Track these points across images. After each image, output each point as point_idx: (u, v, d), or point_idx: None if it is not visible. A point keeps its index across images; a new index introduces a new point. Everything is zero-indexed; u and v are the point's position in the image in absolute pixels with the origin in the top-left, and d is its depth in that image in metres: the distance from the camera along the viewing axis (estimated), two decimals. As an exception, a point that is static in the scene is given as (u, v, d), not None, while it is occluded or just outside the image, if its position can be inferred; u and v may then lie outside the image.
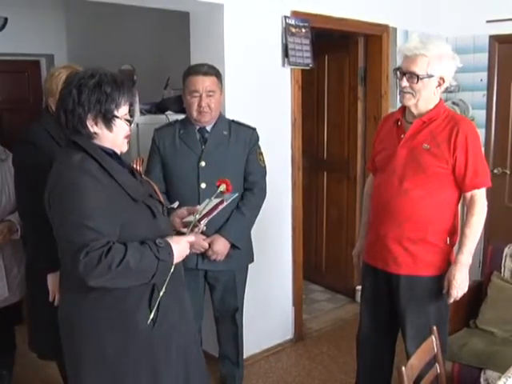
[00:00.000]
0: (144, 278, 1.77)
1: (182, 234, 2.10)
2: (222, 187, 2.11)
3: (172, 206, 2.32)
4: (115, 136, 1.84)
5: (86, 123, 1.78)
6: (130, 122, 1.88)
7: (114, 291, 1.77)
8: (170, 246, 1.83)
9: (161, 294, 1.83)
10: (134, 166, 1.97)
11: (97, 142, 1.83)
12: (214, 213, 2.12)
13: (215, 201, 2.14)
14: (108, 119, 1.80)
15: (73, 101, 1.77)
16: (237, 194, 2.44)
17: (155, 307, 1.82)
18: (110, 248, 1.69)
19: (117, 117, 1.81)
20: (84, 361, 1.84)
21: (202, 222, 2.07)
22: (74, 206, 1.70)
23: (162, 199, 2.04)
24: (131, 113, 1.89)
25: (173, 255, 1.82)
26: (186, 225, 2.12)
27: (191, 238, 1.96)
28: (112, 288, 1.75)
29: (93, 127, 1.80)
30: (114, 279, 1.71)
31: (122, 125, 1.84)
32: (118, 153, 1.90)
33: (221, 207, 2.15)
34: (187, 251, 1.93)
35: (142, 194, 1.87)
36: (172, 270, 1.82)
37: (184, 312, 2.00)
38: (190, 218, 2.11)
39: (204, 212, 2.06)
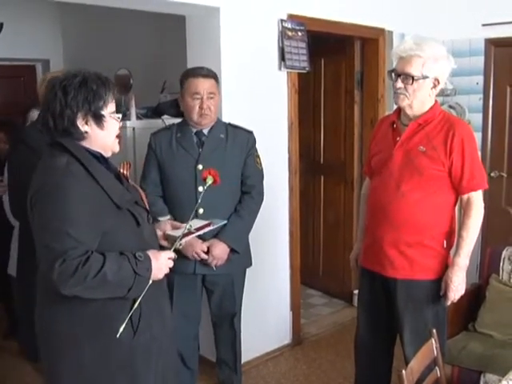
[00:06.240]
0: (120, 291, 1.71)
1: (162, 247, 2.06)
2: (210, 179, 2.02)
3: (162, 219, 2.28)
4: (107, 134, 1.80)
5: (76, 123, 1.74)
6: (119, 118, 1.85)
7: (95, 300, 1.72)
8: (150, 261, 1.77)
9: (135, 305, 1.77)
10: (121, 170, 1.94)
11: (87, 143, 1.78)
12: (199, 233, 2.09)
13: (202, 222, 2.11)
14: (98, 117, 1.76)
15: (60, 103, 1.72)
16: (225, 222, 2.42)
17: (128, 317, 1.76)
18: (88, 258, 1.64)
19: (105, 114, 1.77)
20: (61, 371, 1.78)
21: (183, 240, 2.00)
22: (56, 212, 1.65)
23: (147, 206, 1.99)
24: (118, 111, 1.85)
25: (151, 270, 1.76)
26: (167, 238, 2.07)
27: (171, 254, 1.87)
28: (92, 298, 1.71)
29: (83, 126, 1.75)
30: (89, 290, 1.66)
31: (112, 122, 1.81)
32: (107, 155, 1.85)
33: (207, 229, 2.13)
34: (166, 270, 1.84)
35: (127, 200, 1.82)
36: (148, 285, 1.76)
37: (165, 323, 1.94)
38: (173, 233, 2.06)
39: (189, 230, 1.99)
